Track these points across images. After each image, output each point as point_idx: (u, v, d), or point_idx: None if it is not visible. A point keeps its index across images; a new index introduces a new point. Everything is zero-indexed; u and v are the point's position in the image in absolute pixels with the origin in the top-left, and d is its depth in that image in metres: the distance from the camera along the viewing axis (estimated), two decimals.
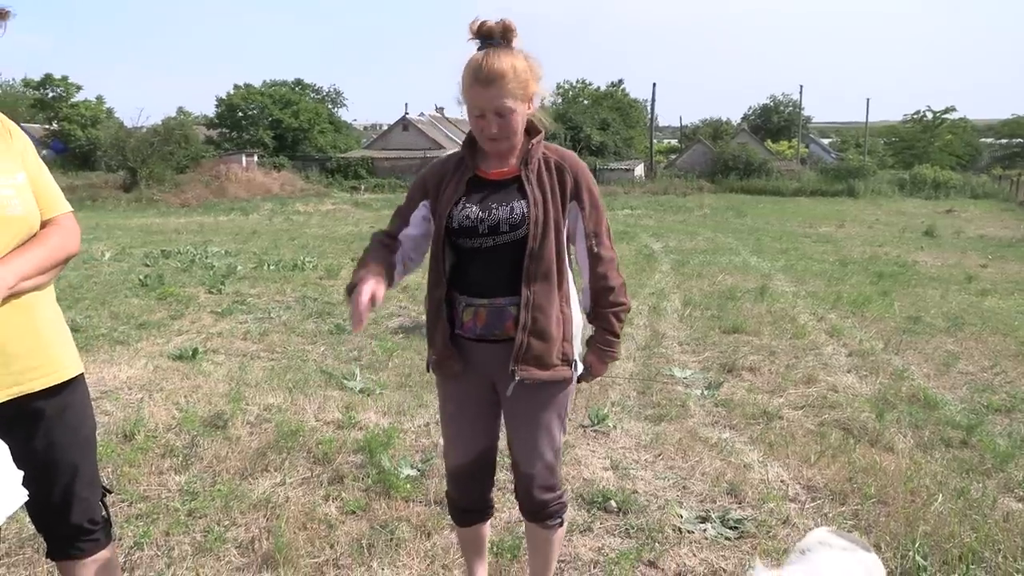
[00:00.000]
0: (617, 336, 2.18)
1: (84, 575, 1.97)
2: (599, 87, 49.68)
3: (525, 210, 2.01)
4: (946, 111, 46.76)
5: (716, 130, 51.75)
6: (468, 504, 2.35)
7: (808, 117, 57.27)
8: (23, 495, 1.75)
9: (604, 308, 2.15)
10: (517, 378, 2.06)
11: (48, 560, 2.06)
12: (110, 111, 37.58)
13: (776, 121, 54.85)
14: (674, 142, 58.18)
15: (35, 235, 1.80)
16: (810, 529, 3.03)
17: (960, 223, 21.17)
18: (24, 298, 1.77)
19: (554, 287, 2.05)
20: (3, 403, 1.73)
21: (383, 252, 2.10)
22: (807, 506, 3.33)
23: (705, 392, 5.09)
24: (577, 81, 49.41)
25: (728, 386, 5.26)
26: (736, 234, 16.83)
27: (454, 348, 2.12)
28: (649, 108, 46.77)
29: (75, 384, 1.91)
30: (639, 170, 39.96)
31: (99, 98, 37.09)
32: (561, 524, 2.31)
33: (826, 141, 57.70)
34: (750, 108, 58.36)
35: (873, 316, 7.78)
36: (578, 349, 2.16)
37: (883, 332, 7.06)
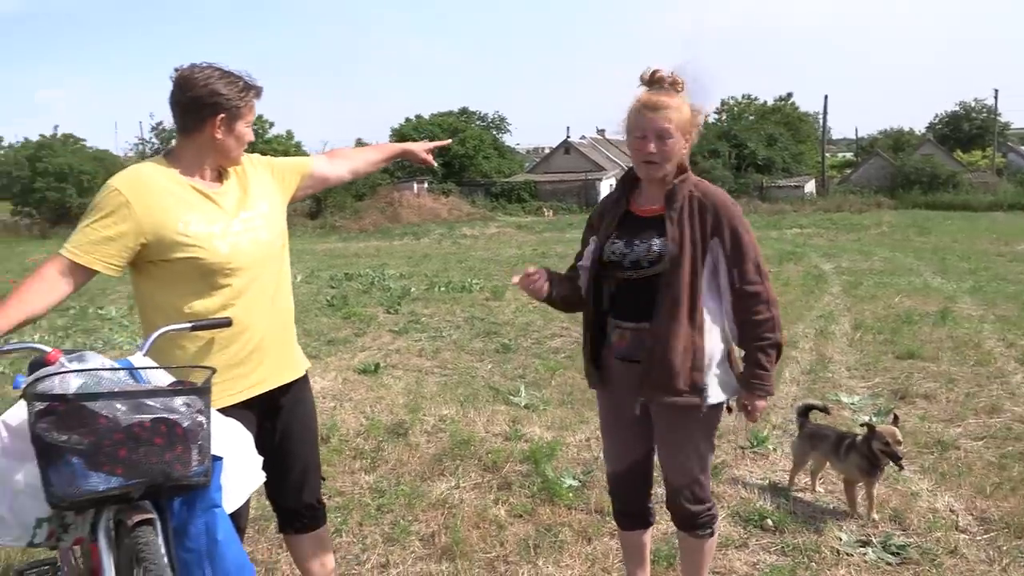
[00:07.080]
0: (766, 370, 2.25)
1: (307, 546, 2.39)
2: (765, 102, 48.08)
3: (661, 248, 2.21)
4: None
5: (897, 141, 48.44)
6: (624, 508, 2.56)
7: (1006, 123, 52.03)
8: (262, 477, 2.17)
9: (748, 342, 2.26)
10: (640, 399, 2.28)
11: (278, 534, 2.49)
12: (299, 144, 41.09)
13: (967, 129, 50.36)
14: (849, 155, 55.01)
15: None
16: (980, 560, 2.96)
17: None
18: (284, 300, 2.20)
19: (682, 319, 2.19)
20: (258, 396, 2.15)
21: (562, 275, 2.46)
22: (979, 538, 3.22)
23: (874, 419, 4.94)
24: (743, 97, 48.13)
25: (900, 413, 5.04)
26: (917, 253, 15.75)
27: (592, 364, 2.40)
28: (820, 121, 44.62)
29: (305, 380, 2.33)
30: (810, 186, 38.16)
31: (289, 133, 40.69)
32: (712, 534, 2.45)
33: None
34: (936, 116, 54.01)
35: None
36: (712, 378, 2.24)
37: None
